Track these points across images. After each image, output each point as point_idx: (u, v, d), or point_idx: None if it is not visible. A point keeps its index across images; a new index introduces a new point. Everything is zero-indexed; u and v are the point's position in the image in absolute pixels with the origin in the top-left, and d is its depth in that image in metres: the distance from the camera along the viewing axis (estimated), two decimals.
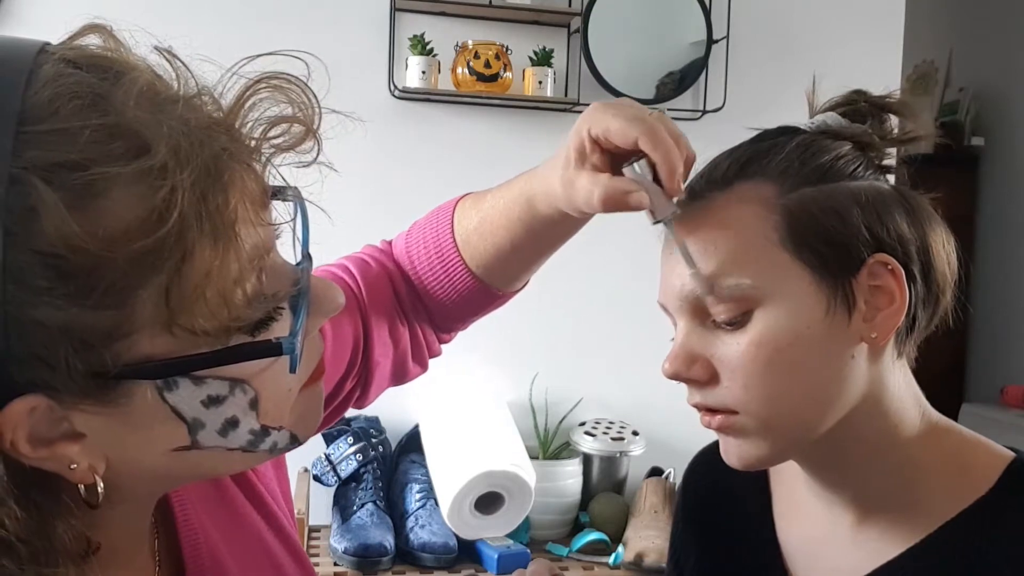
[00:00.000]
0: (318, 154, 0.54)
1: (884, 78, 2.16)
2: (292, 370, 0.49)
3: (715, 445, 0.86)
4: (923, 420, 0.67)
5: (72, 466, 0.45)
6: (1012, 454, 0.66)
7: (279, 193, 0.52)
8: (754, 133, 0.70)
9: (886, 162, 0.67)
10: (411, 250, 0.84)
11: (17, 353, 0.41)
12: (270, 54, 0.51)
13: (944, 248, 0.65)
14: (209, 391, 0.47)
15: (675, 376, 0.65)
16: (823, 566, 0.70)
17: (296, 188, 0.54)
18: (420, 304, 0.86)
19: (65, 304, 0.40)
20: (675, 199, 0.64)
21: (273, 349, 0.47)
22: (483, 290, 0.83)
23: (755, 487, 0.78)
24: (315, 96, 0.53)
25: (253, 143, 0.48)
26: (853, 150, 0.65)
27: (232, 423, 0.48)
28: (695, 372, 0.64)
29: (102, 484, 0.46)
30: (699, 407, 0.66)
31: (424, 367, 0.91)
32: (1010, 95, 3.25)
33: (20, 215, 0.40)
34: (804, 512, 0.73)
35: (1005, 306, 3.12)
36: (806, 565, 0.72)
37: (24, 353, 0.41)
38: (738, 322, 0.62)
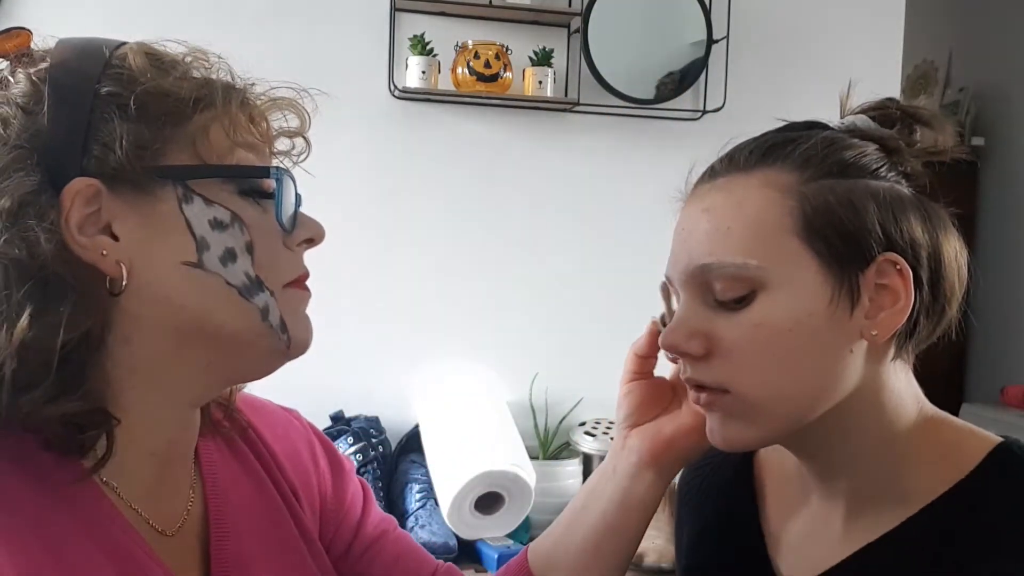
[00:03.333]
0: (306, 158, 0.70)
1: (884, 78, 2.17)
2: (277, 217, 0.62)
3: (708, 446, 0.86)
4: (919, 415, 0.67)
5: (103, 252, 0.57)
6: (999, 439, 0.66)
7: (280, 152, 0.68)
8: (746, 135, 0.70)
9: (909, 169, 0.67)
10: None
11: (89, 146, 0.57)
12: (284, 86, 0.68)
13: (956, 260, 0.65)
14: (215, 213, 0.60)
15: (671, 347, 0.65)
16: (812, 558, 0.71)
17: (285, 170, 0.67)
18: None
19: (126, 117, 0.58)
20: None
21: (262, 171, 0.62)
22: None
23: (743, 482, 0.79)
24: (310, 114, 0.69)
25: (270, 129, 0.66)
26: (878, 151, 0.65)
27: (231, 254, 0.60)
28: (692, 346, 0.64)
29: (126, 271, 0.58)
30: (690, 382, 0.66)
31: None
32: (1010, 95, 3.25)
33: (117, 60, 0.60)
34: (794, 506, 0.74)
35: (1005, 306, 3.12)
36: (794, 557, 0.72)
37: (94, 147, 0.57)
38: (741, 302, 0.62)
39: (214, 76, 0.64)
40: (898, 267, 0.62)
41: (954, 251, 0.65)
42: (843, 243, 0.61)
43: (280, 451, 0.76)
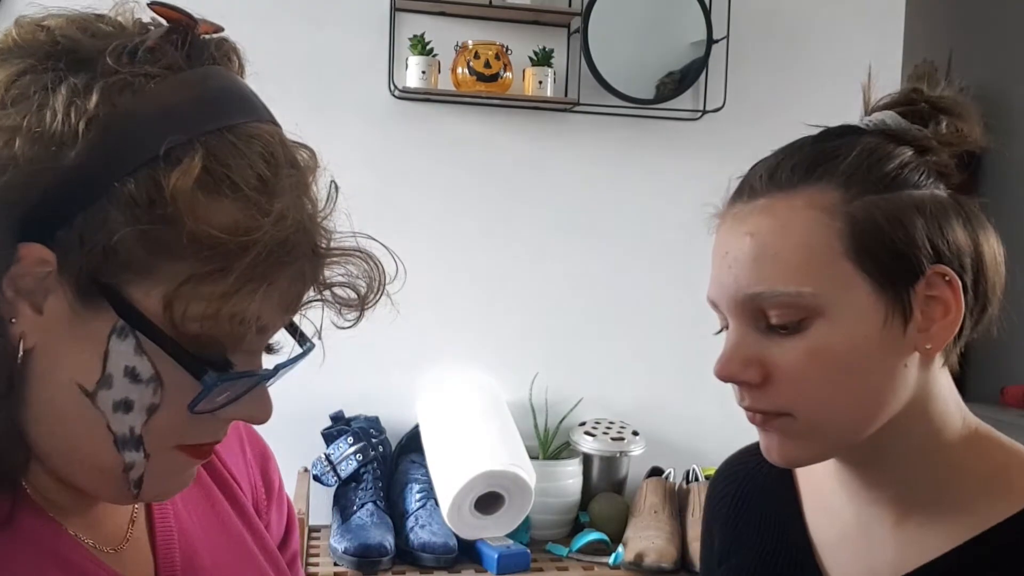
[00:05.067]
0: (357, 321, 0.64)
1: (884, 78, 2.17)
2: (190, 407, 0.54)
3: (741, 453, 0.86)
4: (964, 424, 0.67)
5: (13, 320, 0.52)
6: None
7: (298, 333, 0.62)
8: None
9: (944, 167, 0.66)
10: None
11: (75, 223, 0.50)
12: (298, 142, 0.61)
13: (996, 258, 0.65)
14: (138, 364, 0.53)
15: (729, 378, 0.65)
16: (860, 565, 0.71)
17: (311, 343, 0.64)
18: None
19: (127, 224, 0.50)
20: None
21: (199, 368, 0.53)
22: None
23: (783, 489, 0.78)
24: (383, 280, 0.63)
25: (322, 275, 0.58)
26: (915, 156, 0.65)
27: (127, 406, 0.54)
28: (749, 375, 0.64)
29: (23, 346, 0.53)
30: (750, 410, 0.65)
31: None
32: (1010, 95, 3.25)
33: (172, 157, 0.51)
34: (837, 512, 0.73)
35: (1005, 306, 3.11)
36: (841, 564, 0.72)
37: (78, 224, 0.50)
38: (794, 327, 0.62)
39: (286, 210, 0.53)
40: (947, 278, 0.62)
41: (993, 249, 0.65)
42: (893, 261, 0.61)
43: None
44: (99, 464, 0.56)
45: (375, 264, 0.60)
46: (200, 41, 0.58)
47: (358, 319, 0.62)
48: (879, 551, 0.69)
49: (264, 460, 0.79)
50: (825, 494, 0.75)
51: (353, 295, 0.61)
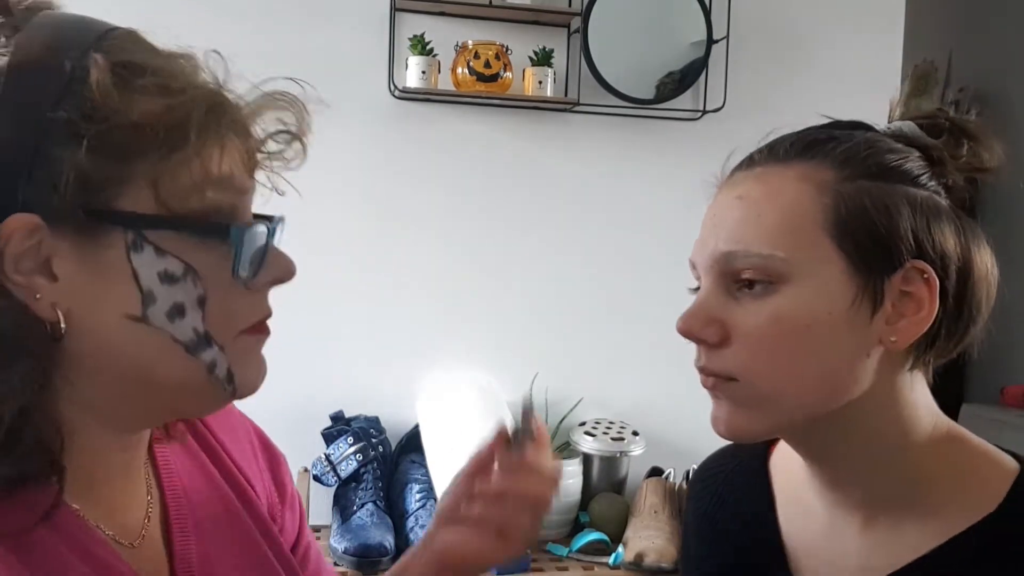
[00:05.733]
0: (302, 162, 0.63)
1: (884, 78, 2.17)
2: (234, 271, 0.57)
3: (718, 454, 0.86)
4: (934, 428, 0.66)
5: (37, 296, 0.53)
6: (1017, 465, 0.66)
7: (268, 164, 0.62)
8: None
9: (951, 182, 0.66)
10: None
11: (36, 176, 0.51)
12: (280, 78, 0.62)
13: (987, 278, 0.65)
14: (167, 265, 0.55)
15: (687, 333, 0.65)
16: (830, 568, 0.70)
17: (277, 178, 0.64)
18: None
19: (78, 145, 0.51)
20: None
21: (222, 231, 0.56)
22: None
23: (758, 490, 0.78)
24: (307, 109, 0.63)
25: (256, 137, 0.60)
26: (921, 159, 0.65)
27: (180, 309, 0.56)
28: (707, 333, 0.64)
29: (63, 318, 0.53)
30: (703, 370, 0.66)
31: None
32: (1010, 95, 3.25)
33: (78, 73, 0.52)
34: (809, 513, 0.73)
35: (1005, 307, 3.11)
36: (811, 566, 0.72)
37: (39, 177, 0.51)
38: (761, 291, 0.62)
39: (200, 81, 0.57)
40: (925, 276, 0.61)
41: (986, 269, 0.64)
42: (873, 246, 0.61)
43: (229, 444, 0.75)
44: (182, 380, 0.57)
45: (292, 99, 0.61)
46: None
47: (304, 151, 0.63)
48: (848, 554, 0.69)
49: (276, 465, 0.80)
50: (798, 495, 0.74)
51: (289, 132, 0.62)
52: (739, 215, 0.64)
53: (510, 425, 0.74)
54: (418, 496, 1.75)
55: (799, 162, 0.64)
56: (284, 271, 0.61)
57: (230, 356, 0.58)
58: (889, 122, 0.69)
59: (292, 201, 0.65)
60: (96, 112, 0.52)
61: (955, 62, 3.48)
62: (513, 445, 0.74)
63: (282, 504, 0.78)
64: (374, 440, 1.80)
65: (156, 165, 0.53)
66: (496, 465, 0.74)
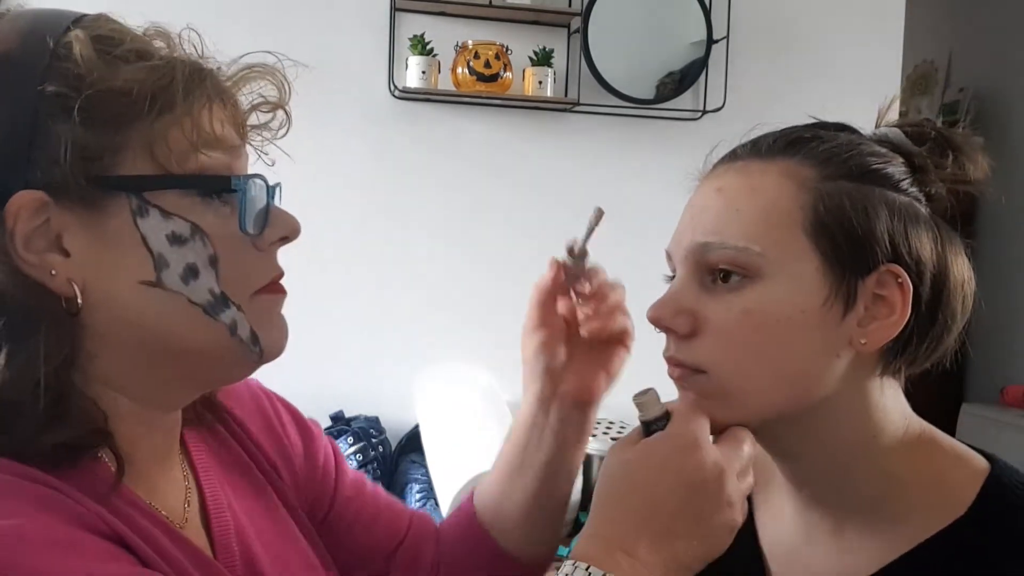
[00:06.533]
0: (287, 132, 0.64)
1: (884, 78, 2.17)
2: (241, 226, 0.58)
3: None
4: (906, 432, 0.66)
5: (52, 271, 0.53)
6: (987, 466, 0.65)
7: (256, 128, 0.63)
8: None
9: (933, 190, 0.66)
10: (443, 536, 0.86)
11: (31, 154, 0.52)
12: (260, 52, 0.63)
13: (963, 288, 0.64)
14: (174, 227, 0.55)
15: (657, 321, 0.65)
16: (804, 572, 0.70)
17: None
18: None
19: (72, 119, 0.52)
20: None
21: (224, 182, 0.57)
22: (485, 542, 0.82)
23: None
24: (289, 83, 0.63)
25: (241, 107, 0.61)
26: (904, 165, 0.65)
27: (192, 270, 0.56)
28: (677, 323, 0.64)
29: (80, 291, 0.54)
30: (671, 360, 0.66)
31: None
32: (1010, 95, 3.25)
33: (63, 52, 0.54)
34: (784, 518, 0.73)
35: (1005, 306, 3.12)
36: (786, 571, 0.72)
37: (35, 155, 0.52)
38: (736, 285, 0.62)
39: (177, 55, 0.58)
40: (899, 280, 0.61)
41: (962, 279, 0.64)
42: (849, 246, 0.61)
43: (254, 428, 0.75)
44: (205, 343, 0.58)
45: (271, 70, 0.62)
46: None
47: (288, 119, 0.64)
48: (822, 560, 0.68)
49: (305, 431, 0.80)
50: (774, 501, 0.74)
51: (270, 102, 0.63)
52: (718, 207, 0.64)
53: (579, 242, 0.75)
54: (418, 496, 1.75)
55: (782, 158, 0.64)
56: (290, 228, 0.62)
57: (250, 317, 0.59)
58: (876, 127, 0.69)
59: (293, 201, 0.65)
60: (82, 82, 0.53)
61: (955, 62, 3.48)
62: (574, 263, 0.73)
63: (313, 474, 0.78)
64: (374, 440, 1.80)
65: (149, 129, 0.54)
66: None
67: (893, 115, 0.71)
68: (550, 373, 0.78)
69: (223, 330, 0.58)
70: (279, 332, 0.62)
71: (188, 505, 0.65)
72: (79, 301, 0.54)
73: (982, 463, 0.66)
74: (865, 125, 0.70)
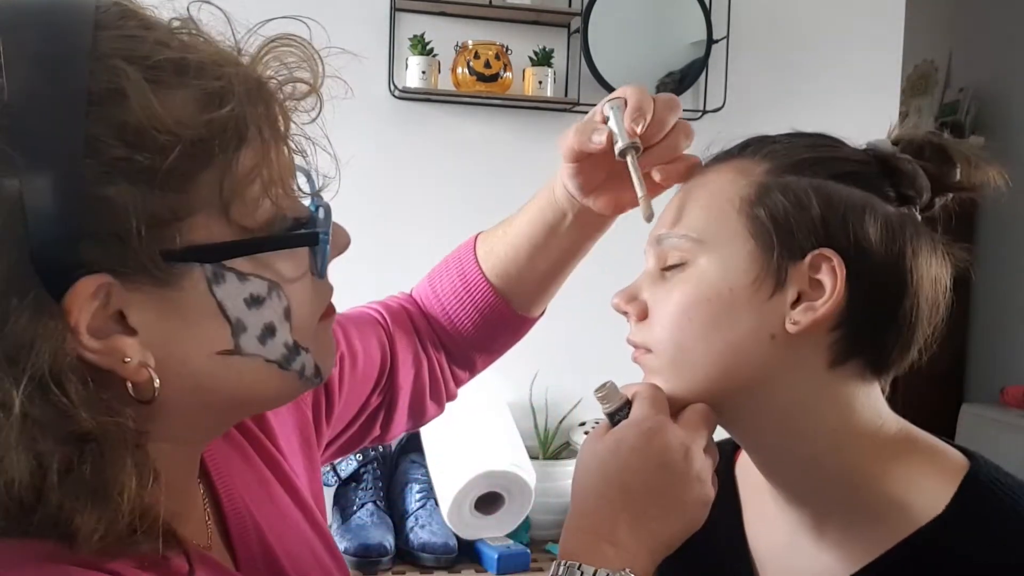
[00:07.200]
0: (320, 111, 0.60)
1: (884, 78, 2.17)
2: (320, 272, 0.54)
3: None
4: (880, 431, 0.66)
5: (125, 359, 0.47)
6: (965, 464, 0.65)
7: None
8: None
9: (912, 193, 0.65)
10: (433, 278, 0.90)
11: (89, 229, 0.44)
12: (284, 17, 0.61)
13: (933, 287, 0.64)
14: (251, 289, 0.50)
15: (616, 308, 0.71)
16: (789, 572, 0.70)
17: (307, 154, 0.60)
18: (438, 336, 0.89)
19: (135, 181, 0.44)
20: (634, 139, 0.69)
21: (309, 238, 0.53)
22: (502, 308, 0.86)
23: (726, 496, 0.78)
24: (320, 56, 0.59)
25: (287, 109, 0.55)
26: (877, 167, 0.65)
27: (270, 330, 0.52)
28: (630, 308, 0.69)
29: (157, 378, 0.48)
30: (629, 342, 0.71)
31: (440, 406, 0.91)
32: (1010, 95, 3.26)
33: (105, 92, 0.44)
34: (770, 519, 0.73)
35: (1005, 306, 3.12)
36: (773, 571, 0.72)
37: (95, 229, 0.44)
38: (680, 270, 0.66)
39: (224, 67, 0.49)
40: (831, 264, 0.61)
41: (932, 279, 0.64)
42: (776, 228, 0.63)
43: (272, 419, 0.71)
44: (276, 393, 0.56)
45: (308, 55, 0.59)
46: None
47: (320, 103, 0.60)
48: (804, 560, 0.69)
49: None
50: (761, 501, 0.74)
51: (305, 87, 0.59)
52: (677, 203, 0.70)
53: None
54: (418, 496, 1.75)
55: (739, 158, 0.68)
56: (344, 245, 0.59)
57: (315, 352, 0.56)
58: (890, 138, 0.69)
59: None
60: (135, 132, 0.44)
61: (955, 62, 3.49)
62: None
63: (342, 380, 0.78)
64: None
65: (218, 180, 0.47)
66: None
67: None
68: (584, 190, 0.78)
69: (295, 376, 0.55)
70: (332, 355, 0.60)
71: (209, 520, 0.62)
72: (156, 384, 0.48)
73: (961, 461, 0.66)
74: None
